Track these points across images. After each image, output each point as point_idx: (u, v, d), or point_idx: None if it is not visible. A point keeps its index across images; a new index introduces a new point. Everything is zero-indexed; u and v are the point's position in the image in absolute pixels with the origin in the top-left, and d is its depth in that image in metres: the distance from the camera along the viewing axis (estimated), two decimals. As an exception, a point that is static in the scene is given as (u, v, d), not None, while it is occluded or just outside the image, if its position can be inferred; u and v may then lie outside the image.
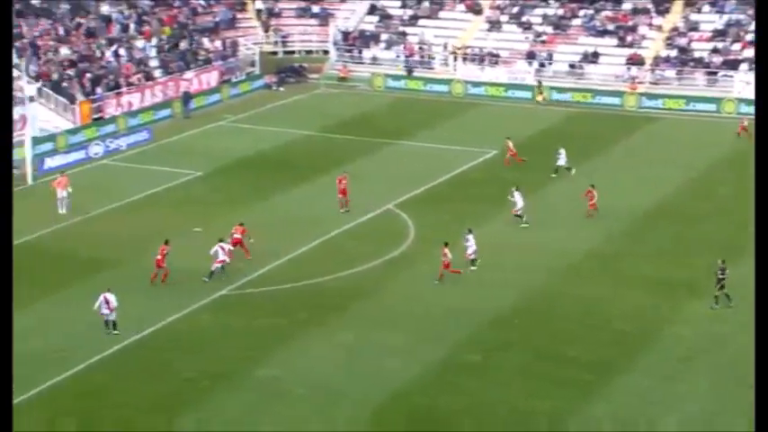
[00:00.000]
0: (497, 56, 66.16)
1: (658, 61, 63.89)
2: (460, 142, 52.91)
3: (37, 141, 50.15)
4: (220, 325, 32.72)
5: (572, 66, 65.00)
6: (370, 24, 71.08)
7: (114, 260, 37.27)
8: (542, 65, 65.18)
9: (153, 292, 34.90)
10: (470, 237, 37.09)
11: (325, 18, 71.13)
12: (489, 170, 48.88)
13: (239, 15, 70.41)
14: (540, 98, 61.49)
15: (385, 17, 71.16)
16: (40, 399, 27.98)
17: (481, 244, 39.42)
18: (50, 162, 48.84)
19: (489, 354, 30.79)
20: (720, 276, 32.81)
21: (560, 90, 62.48)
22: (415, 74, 66.21)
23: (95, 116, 55.52)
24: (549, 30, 67.70)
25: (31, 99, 52.12)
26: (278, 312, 33.52)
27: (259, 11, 70.94)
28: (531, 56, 65.75)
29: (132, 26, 63.66)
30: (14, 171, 46.73)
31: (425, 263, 37.37)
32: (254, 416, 27.30)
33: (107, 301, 31.73)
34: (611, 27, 66.84)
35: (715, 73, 61.96)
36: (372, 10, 71.79)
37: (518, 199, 41.06)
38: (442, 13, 70.82)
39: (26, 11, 60.08)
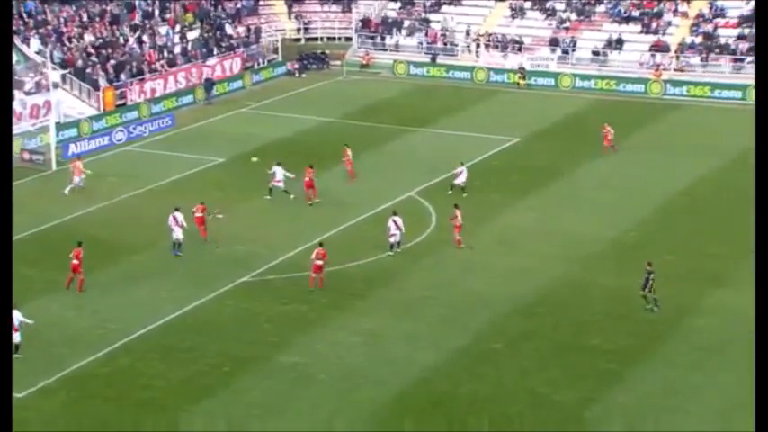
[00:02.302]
0: (521, 43, 65.87)
1: (683, 48, 63.39)
2: (482, 130, 52.74)
3: (61, 127, 50.43)
4: (243, 310, 32.87)
5: (596, 53, 64.61)
6: (393, 11, 70.89)
7: (136, 246, 37.46)
8: (566, 51, 64.84)
9: (176, 278, 35.08)
10: (396, 219, 36.63)
11: (347, 5, 71.02)
12: (511, 158, 48.72)
13: (262, 2, 70.40)
14: (522, 83, 61.72)
15: (407, 3, 70.93)
16: (66, 381, 28.24)
17: (502, 233, 39.37)
18: (74, 148, 49.07)
19: (512, 342, 30.78)
20: (647, 278, 32.30)
21: (584, 77, 62.21)
22: (438, 61, 66.04)
23: (119, 102, 55.76)
24: (573, 16, 67.31)
25: (56, 85, 52.45)
26: (300, 299, 33.63)
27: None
28: (554, 43, 65.43)
29: (156, 12, 63.82)
30: (39, 157, 47.33)
31: (447, 250, 37.35)
32: (276, 401, 27.45)
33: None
34: (635, 13, 66.36)
35: (741, 60, 61.41)
36: (395, -4, 71.62)
37: (278, 172, 42.10)
38: (464, 0, 70.57)
39: (51, -3, 60.36)
